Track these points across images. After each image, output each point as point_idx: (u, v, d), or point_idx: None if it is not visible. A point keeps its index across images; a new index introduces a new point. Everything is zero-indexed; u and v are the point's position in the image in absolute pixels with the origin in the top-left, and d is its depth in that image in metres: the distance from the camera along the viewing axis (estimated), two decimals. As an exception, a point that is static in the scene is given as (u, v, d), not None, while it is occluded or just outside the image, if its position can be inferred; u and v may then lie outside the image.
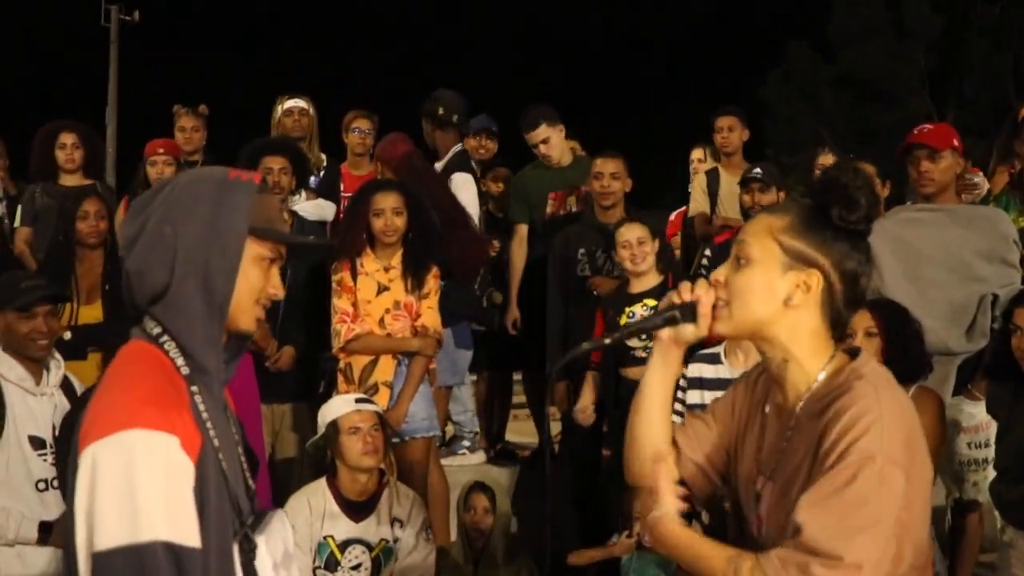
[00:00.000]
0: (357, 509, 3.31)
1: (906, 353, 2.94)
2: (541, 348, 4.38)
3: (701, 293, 1.51)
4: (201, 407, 1.46)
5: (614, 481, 3.83)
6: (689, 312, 1.51)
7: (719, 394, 3.32)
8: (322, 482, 3.37)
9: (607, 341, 1.65)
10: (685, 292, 1.52)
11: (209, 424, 1.46)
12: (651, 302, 3.90)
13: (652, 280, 3.96)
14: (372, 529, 3.30)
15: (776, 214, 1.50)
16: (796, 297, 1.45)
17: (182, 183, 1.49)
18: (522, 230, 4.74)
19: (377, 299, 3.81)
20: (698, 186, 5.08)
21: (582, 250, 4.31)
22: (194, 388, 1.46)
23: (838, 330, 1.50)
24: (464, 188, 4.61)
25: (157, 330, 1.47)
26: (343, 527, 3.29)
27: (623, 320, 3.90)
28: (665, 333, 1.56)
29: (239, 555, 1.46)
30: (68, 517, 1.41)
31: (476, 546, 3.46)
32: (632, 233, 3.92)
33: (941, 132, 3.54)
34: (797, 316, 1.47)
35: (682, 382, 3.49)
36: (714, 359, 3.46)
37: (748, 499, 1.55)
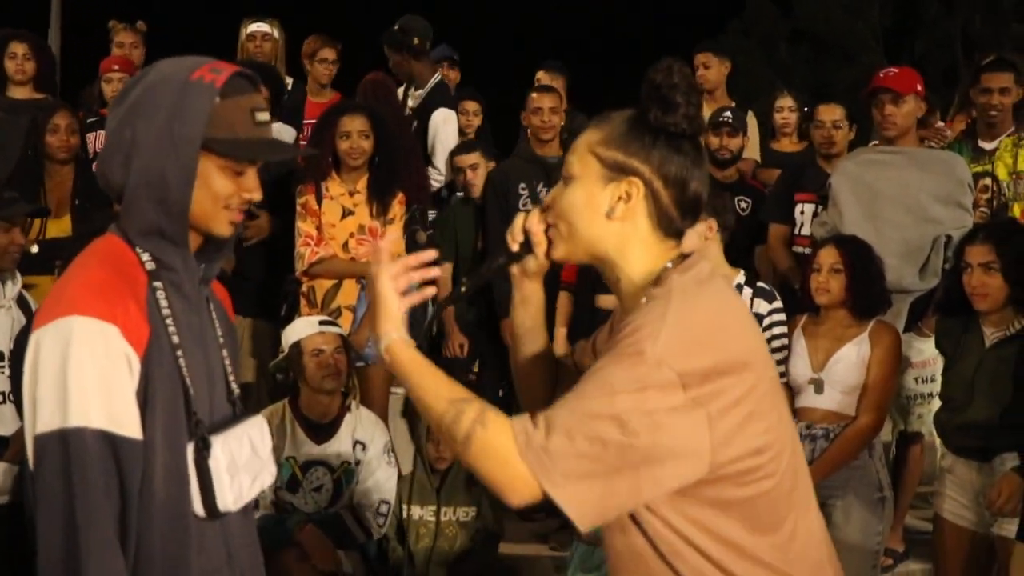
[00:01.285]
0: (319, 431, 3.33)
1: (869, 289, 3.05)
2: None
3: (533, 222, 1.46)
4: (163, 303, 1.44)
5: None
6: (527, 244, 1.47)
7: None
8: (284, 404, 3.37)
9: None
10: (517, 227, 1.47)
11: (169, 321, 1.43)
12: None
13: None
14: (334, 451, 3.33)
15: (597, 126, 1.43)
16: (618, 209, 1.38)
17: (146, 83, 1.44)
18: (447, 268, 4.31)
19: (342, 223, 3.79)
20: None
21: (522, 184, 4.30)
22: (157, 284, 1.44)
23: (673, 235, 1.42)
24: (445, 126, 4.59)
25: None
26: (305, 449, 3.31)
27: None
28: (515, 269, 1.52)
29: (192, 453, 1.44)
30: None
31: (438, 475, 3.51)
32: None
33: (905, 76, 3.59)
34: (623, 229, 1.40)
35: None
36: None
37: None
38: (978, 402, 2.85)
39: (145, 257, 1.44)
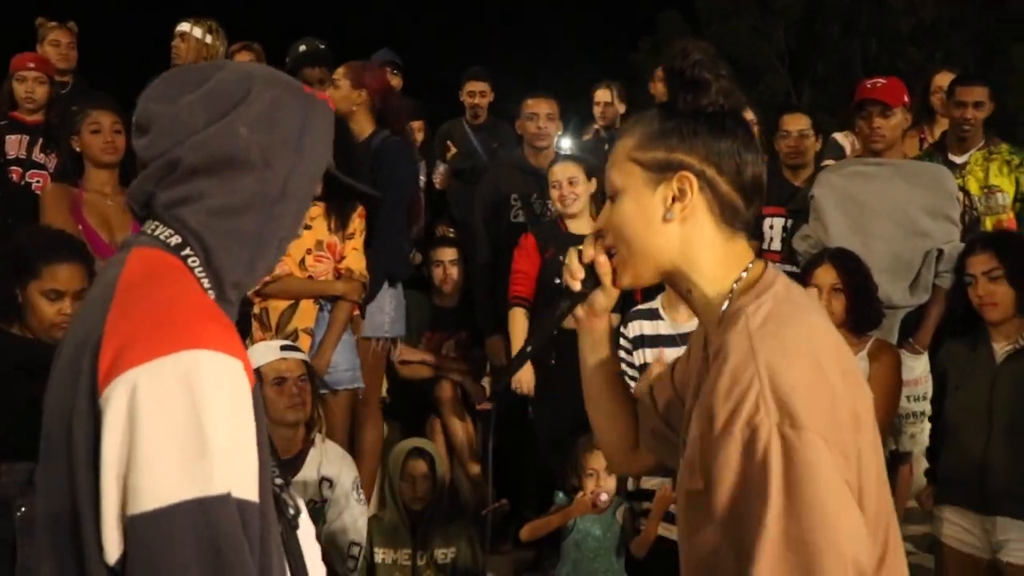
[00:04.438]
0: (282, 467, 2.98)
1: (868, 306, 2.93)
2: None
3: (591, 253, 1.33)
4: None
5: (547, 437, 3.67)
6: (591, 279, 1.33)
7: (663, 351, 3.21)
8: (241, 438, 3.04)
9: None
10: (574, 264, 1.34)
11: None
12: None
13: (587, 225, 3.69)
14: (299, 489, 3.01)
15: (627, 133, 1.30)
16: (674, 209, 1.23)
17: (259, 78, 1.20)
18: None
19: (298, 238, 3.48)
20: None
21: (515, 195, 4.08)
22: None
23: (740, 227, 1.26)
24: None
25: (176, 240, 1.15)
26: (265, 487, 2.99)
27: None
28: (580, 311, 1.40)
29: (281, 519, 1.18)
30: (66, 474, 1.04)
31: (413, 513, 3.22)
32: (564, 173, 3.70)
33: (893, 88, 3.49)
34: (685, 231, 1.24)
35: (626, 344, 3.34)
36: (652, 315, 3.32)
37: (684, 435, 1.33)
38: (997, 420, 2.73)
39: (206, 283, 1.15)
